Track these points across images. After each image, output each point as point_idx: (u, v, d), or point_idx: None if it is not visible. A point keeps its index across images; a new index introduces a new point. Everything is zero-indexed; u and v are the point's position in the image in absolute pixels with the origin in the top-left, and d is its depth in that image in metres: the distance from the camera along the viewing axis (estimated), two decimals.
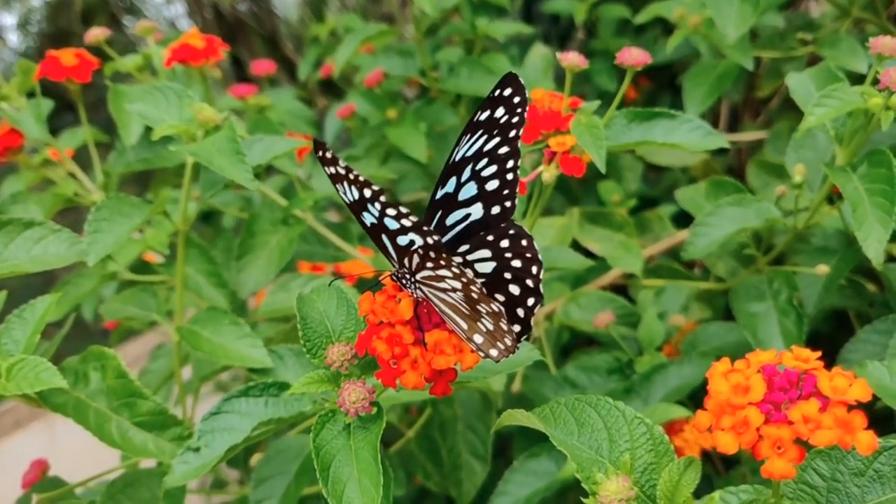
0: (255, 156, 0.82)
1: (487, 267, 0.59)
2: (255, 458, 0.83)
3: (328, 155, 0.54)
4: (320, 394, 0.62)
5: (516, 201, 0.61)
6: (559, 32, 2.01)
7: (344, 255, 1.14)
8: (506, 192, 0.61)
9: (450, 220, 0.62)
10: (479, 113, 0.61)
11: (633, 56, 0.80)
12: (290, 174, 1.10)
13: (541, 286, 0.58)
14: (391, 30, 1.44)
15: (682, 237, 1.26)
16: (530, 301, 0.58)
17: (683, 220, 1.29)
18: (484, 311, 0.54)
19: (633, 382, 0.97)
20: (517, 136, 0.60)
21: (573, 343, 1.37)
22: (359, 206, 0.56)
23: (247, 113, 1.43)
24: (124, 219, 0.79)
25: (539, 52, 1.57)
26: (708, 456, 1.00)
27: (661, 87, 1.80)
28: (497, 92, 0.60)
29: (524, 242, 0.59)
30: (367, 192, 0.54)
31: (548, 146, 0.82)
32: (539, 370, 1.07)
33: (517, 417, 0.56)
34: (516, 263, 0.59)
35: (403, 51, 1.46)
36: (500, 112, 0.60)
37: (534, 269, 0.58)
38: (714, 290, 1.12)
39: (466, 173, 0.61)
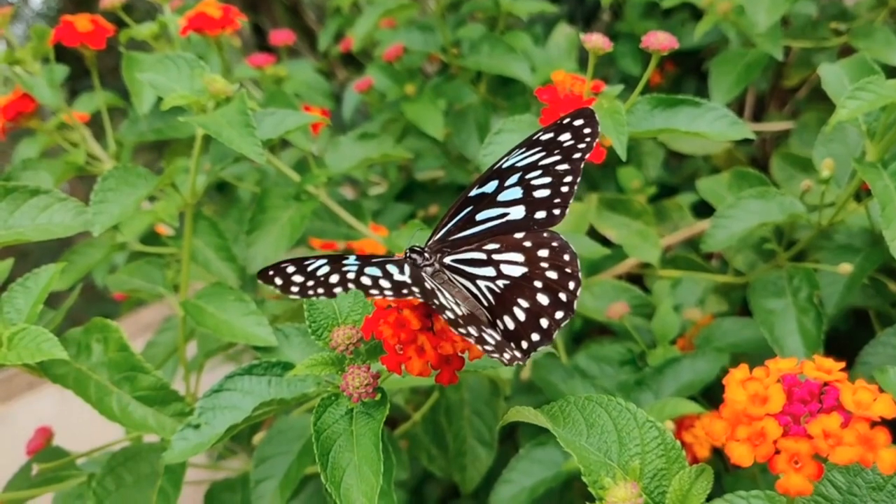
0: (266, 129, 0.81)
1: (516, 270, 0.58)
2: (258, 437, 0.82)
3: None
4: (324, 376, 0.61)
5: (567, 211, 0.60)
6: (585, 13, 1.98)
7: (356, 234, 1.12)
8: (557, 200, 0.60)
9: (481, 216, 0.61)
10: (540, 133, 0.61)
11: (660, 40, 0.77)
12: (304, 149, 1.07)
13: (575, 303, 0.57)
14: (412, 3, 1.41)
15: (701, 227, 1.24)
16: (559, 314, 0.57)
17: (703, 209, 1.27)
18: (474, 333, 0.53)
19: (645, 375, 0.95)
20: (581, 159, 0.60)
21: (585, 331, 1.35)
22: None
23: (263, 83, 1.41)
24: (131, 189, 0.78)
25: (563, 31, 1.54)
26: (718, 452, 0.98)
27: (686, 73, 1.77)
28: (567, 120, 0.60)
29: (566, 257, 0.58)
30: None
31: None
32: (549, 358, 1.06)
33: (524, 414, 0.54)
34: (552, 275, 0.57)
35: (424, 26, 1.43)
36: (565, 137, 0.60)
37: (571, 285, 0.57)
38: (732, 283, 1.10)
39: (513, 179, 0.61)
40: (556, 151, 0.60)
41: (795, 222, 0.95)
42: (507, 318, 0.57)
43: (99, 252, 1.01)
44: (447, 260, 0.61)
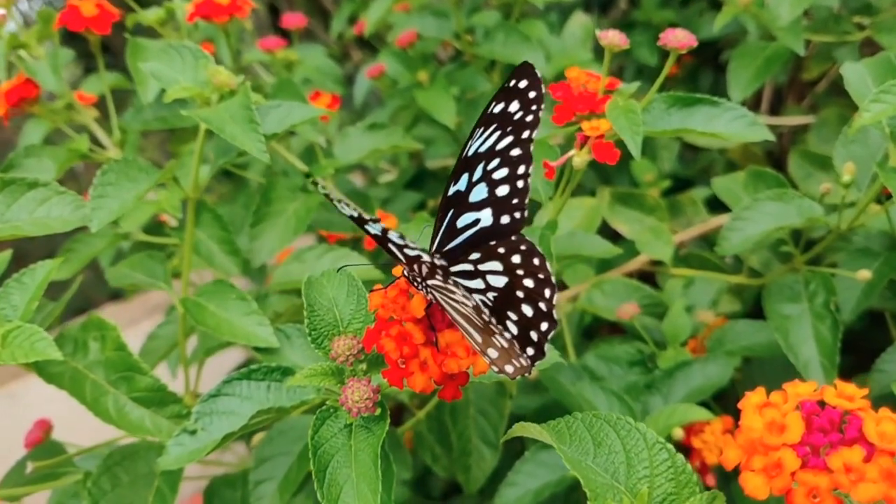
0: (272, 124, 0.78)
1: (500, 281, 0.54)
2: (258, 437, 0.80)
3: (340, 202, 0.50)
4: (324, 386, 0.59)
5: (526, 213, 0.56)
6: (601, 1, 1.94)
7: None
8: (515, 200, 0.55)
9: (461, 223, 0.57)
10: (492, 104, 0.55)
11: (678, 38, 0.75)
12: (311, 139, 1.05)
13: (554, 311, 0.53)
14: None
15: (715, 224, 1.21)
16: (544, 326, 0.53)
17: (717, 204, 1.24)
18: (497, 330, 0.50)
19: (655, 379, 0.93)
20: (530, 139, 0.55)
21: (595, 326, 1.33)
22: (361, 223, 0.52)
23: (274, 67, 1.39)
24: (132, 184, 0.76)
25: (579, 20, 1.51)
26: None
27: (703, 63, 1.74)
28: (512, 82, 0.55)
29: (536, 261, 0.53)
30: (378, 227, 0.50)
31: (580, 129, 0.78)
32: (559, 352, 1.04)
33: (529, 430, 0.53)
34: (528, 283, 0.53)
35: (438, 11, 1.40)
36: (514, 106, 0.55)
37: (546, 293, 0.53)
38: (746, 284, 1.07)
39: (478, 172, 0.56)
40: (509, 129, 0.55)
41: (813, 225, 0.93)
42: (499, 338, 0.53)
43: (102, 241, 1.00)
44: None
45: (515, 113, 0.54)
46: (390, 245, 0.52)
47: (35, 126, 1.22)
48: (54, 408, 0.95)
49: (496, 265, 0.54)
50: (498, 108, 0.55)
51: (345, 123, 1.53)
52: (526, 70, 0.55)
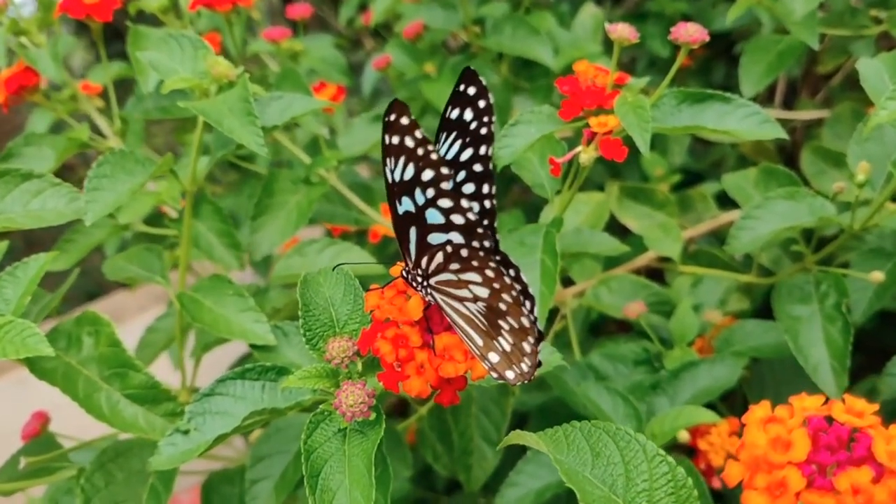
0: (272, 116, 0.77)
1: (483, 292, 0.52)
2: (255, 435, 0.79)
3: (403, 121, 0.47)
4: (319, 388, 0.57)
5: (497, 235, 0.54)
6: None
7: (367, 218, 1.09)
8: (485, 221, 0.54)
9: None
10: (449, 109, 0.53)
11: (689, 32, 0.73)
12: (313, 131, 1.04)
13: (537, 323, 0.52)
14: None
15: (725, 220, 1.19)
16: (533, 337, 0.52)
17: (728, 198, 1.22)
18: (506, 326, 0.49)
19: (661, 379, 0.92)
20: (488, 156, 0.53)
21: (602, 321, 1.31)
22: (403, 189, 0.49)
23: (280, 57, 1.38)
24: (127, 176, 0.74)
25: (590, 11, 1.49)
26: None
27: (716, 56, 1.71)
28: (461, 87, 0.53)
29: (511, 272, 0.52)
30: (428, 175, 0.47)
31: (588, 125, 0.76)
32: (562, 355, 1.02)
33: (526, 439, 0.51)
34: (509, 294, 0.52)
35: (446, 2, 1.38)
36: (468, 115, 0.53)
37: (527, 303, 0.52)
38: (756, 282, 1.05)
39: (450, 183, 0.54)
40: (468, 140, 0.53)
41: (826, 224, 0.91)
42: (501, 341, 0.52)
43: (101, 232, 0.99)
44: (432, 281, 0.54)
45: (471, 122, 0.53)
46: (414, 228, 0.50)
47: (41, 115, 1.21)
48: (62, 394, 0.94)
49: (475, 276, 0.52)
50: (454, 115, 0.53)
51: (354, 113, 1.51)
52: (471, 77, 0.53)
